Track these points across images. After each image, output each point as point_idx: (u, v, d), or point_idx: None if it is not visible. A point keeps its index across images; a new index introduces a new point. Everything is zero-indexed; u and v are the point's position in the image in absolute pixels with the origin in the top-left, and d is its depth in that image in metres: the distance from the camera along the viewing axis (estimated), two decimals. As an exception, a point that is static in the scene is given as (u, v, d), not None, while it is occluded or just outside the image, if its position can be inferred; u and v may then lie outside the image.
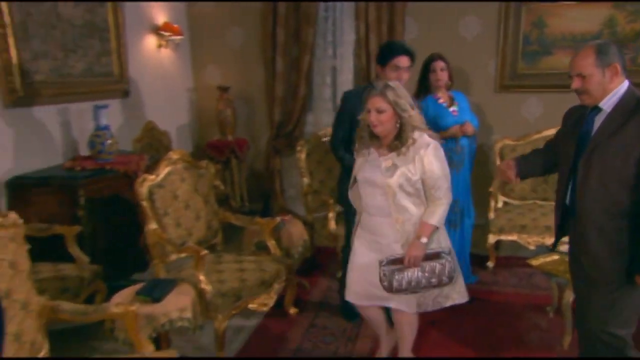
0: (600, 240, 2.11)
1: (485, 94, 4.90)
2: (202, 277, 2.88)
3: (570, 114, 2.38)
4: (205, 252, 2.99)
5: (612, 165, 2.02)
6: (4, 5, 3.30)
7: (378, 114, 2.33)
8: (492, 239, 4.25)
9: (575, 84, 2.08)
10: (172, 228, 3.23)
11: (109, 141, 3.84)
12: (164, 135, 4.99)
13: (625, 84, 2.06)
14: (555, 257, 3.16)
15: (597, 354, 2.42)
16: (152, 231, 3.14)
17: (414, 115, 2.36)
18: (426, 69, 3.63)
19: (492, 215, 4.27)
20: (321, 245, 4.51)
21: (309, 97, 5.39)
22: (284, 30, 5.17)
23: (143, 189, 3.13)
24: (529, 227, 4.15)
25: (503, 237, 4.26)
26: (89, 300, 3.22)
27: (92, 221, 3.52)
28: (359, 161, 2.58)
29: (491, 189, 4.32)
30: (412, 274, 2.38)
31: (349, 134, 2.93)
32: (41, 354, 2.23)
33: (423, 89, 3.67)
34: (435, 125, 3.57)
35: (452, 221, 3.65)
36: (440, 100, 3.63)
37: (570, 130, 2.29)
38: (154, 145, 4.80)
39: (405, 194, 2.41)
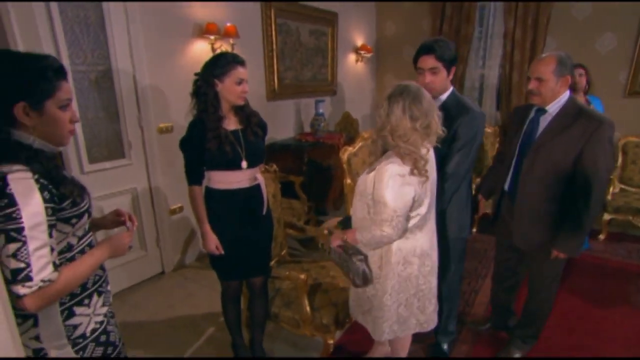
0: (533, 220, 1.87)
1: (614, 98, 4.12)
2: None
3: (516, 113, 2.01)
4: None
5: (553, 161, 1.74)
6: (273, 37, 3.74)
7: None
8: (607, 217, 3.67)
9: (532, 85, 1.77)
10: (360, 183, 3.37)
11: (323, 124, 4.11)
12: (355, 121, 5.13)
13: (567, 93, 1.78)
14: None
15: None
16: (348, 184, 3.31)
17: (390, 128, 1.43)
18: None
19: (609, 197, 3.67)
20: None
21: (460, 97, 5.11)
22: (445, 47, 4.91)
23: (344, 156, 3.28)
24: (646, 212, 3.49)
25: (617, 217, 3.65)
26: (306, 224, 3.56)
27: (310, 174, 3.79)
28: None
29: (612, 177, 3.71)
30: (339, 253, 1.68)
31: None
32: (283, 252, 2.54)
33: None
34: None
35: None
36: (577, 103, 3.18)
37: (515, 129, 1.96)
38: (347, 128, 4.96)
39: (361, 204, 1.60)
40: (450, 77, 1.82)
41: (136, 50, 2.72)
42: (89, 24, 2.49)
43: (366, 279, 1.62)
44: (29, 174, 0.92)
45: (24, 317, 0.99)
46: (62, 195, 0.99)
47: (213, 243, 1.83)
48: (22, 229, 0.88)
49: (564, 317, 2.54)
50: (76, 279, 1.01)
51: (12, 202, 0.88)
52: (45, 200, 0.93)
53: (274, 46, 3.78)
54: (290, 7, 3.89)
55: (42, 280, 0.92)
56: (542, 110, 1.82)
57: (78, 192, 1.04)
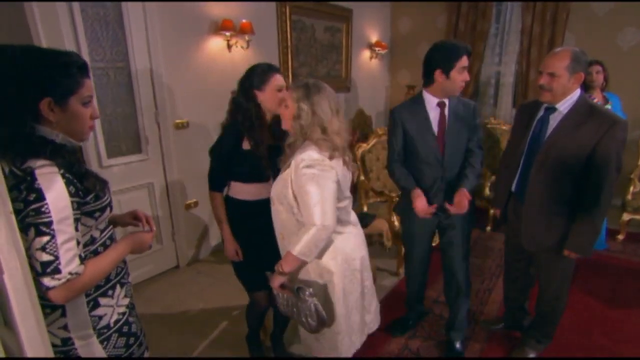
0: (542, 221, 1.82)
1: (636, 95, 4.01)
2: (394, 216, 3.00)
3: (522, 111, 1.94)
4: (396, 198, 3.10)
5: (564, 161, 1.69)
6: (288, 33, 3.74)
7: (284, 108, 1.46)
8: (626, 217, 3.59)
9: (544, 79, 1.69)
10: (374, 180, 3.36)
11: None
12: (368, 118, 5.13)
13: (579, 91, 1.71)
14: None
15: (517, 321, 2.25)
16: (362, 181, 3.32)
17: (308, 125, 1.39)
18: None
19: (629, 197, 3.59)
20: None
21: (476, 93, 5.03)
22: (461, 44, 4.85)
23: (358, 153, 3.31)
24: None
25: (637, 217, 3.57)
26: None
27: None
28: None
29: (632, 176, 3.63)
30: (288, 298, 1.50)
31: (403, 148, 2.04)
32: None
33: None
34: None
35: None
36: (595, 100, 3.09)
37: (522, 127, 1.89)
38: (361, 124, 4.96)
39: (282, 206, 1.48)
40: None
41: (153, 47, 2.76)
42: (108, 22, 2.54)
43: (322, 319, 1.42)
44: (55, 169, 0.94)
45: (53, 308, 1.02)
46: (86, 189, 1.01)
47: (233, 248, 1.83)
48: (51, 222, 0.91)
49: (580, 318, 2.51)
50: (101, 272, 1.04)
51: (41, 197, 0.90)
52: (71, 194, 0.95)
53: (289, 42, 3.79)
54: (305, 4, 3.89)
55: (70, 273, 0.95)
56: (551, 109, 1.75)
57: (100, 186, 1.06)
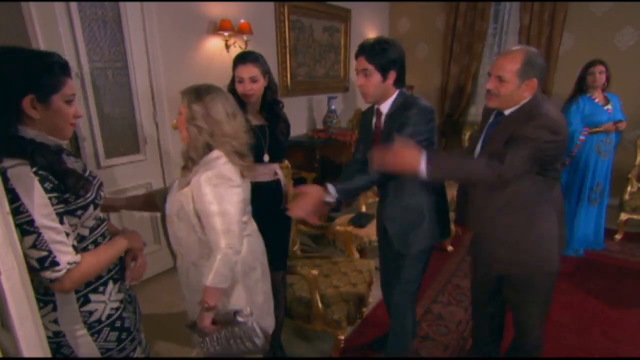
0: (492, 234, 1.61)
1: (634, 96, 4.02)
2: (391, 215, 2.98)
3: (484, 114, 1.71)
4: (394, 198, 3.08)
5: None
6: (287, 33, 3.74)
7: (179, 116, 1.39)
8: (623, 216, 3.61)
9: (491, 84, 1.47)
10: (372, 180, 3.35)
11: (335, 120, 4.12)
12: (367, 118, 5.14)
13: (531, 97, 1.47)
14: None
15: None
16: (360, 181, 3.31)
17: (208, 131, 1.33)
18: (584, 72, 3.08)
19: (627, 197, 3.59)
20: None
21: (473, 93, 5.04)
22: (459, 45, 4.86)
23: (357, 153, 3.31)
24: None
25: (634, 216, 3.58)
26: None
27: (322, 171, 3.79)
28: None
29: (629, 176, 3.64)
30: (219, 334, 1.36)
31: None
32: (295, 247, 2.55)
33: (579, 89, 3.13)
34: (591, 121, 3.07)
35: (592, 198, 3.18)
36: (596, 100, 3.09)
37: (478, 133, 1.70)
38: (359, 125, 4.96)
39: (182, 222, 1.38)
40: (390, 82, 1.60)
41: (152, 47, 2.76)
42: (106, 21, 2.53)
43: (267, 333, 1.36)
44: (27, 167, 0.94)
45: (45, 302, 1.06)
46: (65, 186, 1.01)
47: None
48: (32, 221, 0.93)
49: (579, 318, 2.51)
50: (99, 264, 1.08)
51: (16, 197, 0.92)
52: (47, 191, 0.95)
53: (287, 43, 3.79)
54: (303, 3, 3.89)
55: (69, 263, 0.98)
56: (502, 114, 1.55)
57: (82, 184, 1.06)
